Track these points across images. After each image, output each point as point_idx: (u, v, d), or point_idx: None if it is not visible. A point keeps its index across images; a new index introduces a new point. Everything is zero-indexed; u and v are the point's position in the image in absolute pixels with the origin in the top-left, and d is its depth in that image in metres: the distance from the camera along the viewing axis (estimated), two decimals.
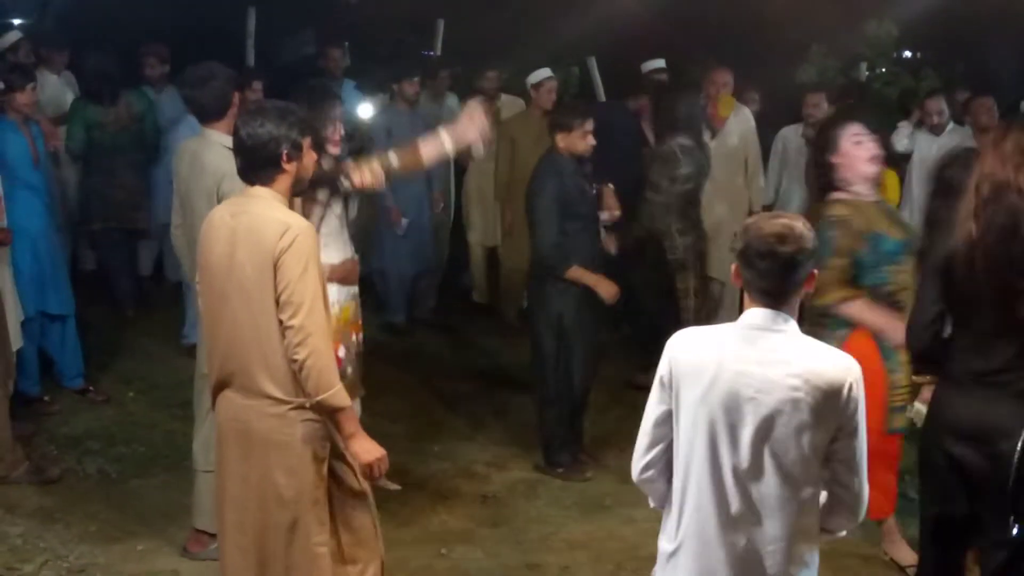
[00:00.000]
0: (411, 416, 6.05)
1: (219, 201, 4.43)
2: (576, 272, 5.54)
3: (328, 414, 3.42)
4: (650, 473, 2.87)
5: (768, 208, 7.85)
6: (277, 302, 3.31)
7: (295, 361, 3.31)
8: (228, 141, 4.54)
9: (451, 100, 8.45)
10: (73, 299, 6.47)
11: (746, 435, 2.65)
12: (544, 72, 7.95)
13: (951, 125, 7.54)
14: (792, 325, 2.71)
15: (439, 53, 9.40)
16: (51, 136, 6.62)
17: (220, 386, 3.53)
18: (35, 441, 5.90)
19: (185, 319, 7.07)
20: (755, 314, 2.72)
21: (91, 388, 6.61)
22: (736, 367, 2.66)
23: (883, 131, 5.06)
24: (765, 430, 2.64)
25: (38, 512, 5.16)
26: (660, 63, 8.28)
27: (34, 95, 6.25)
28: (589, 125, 5.61)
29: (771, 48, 8.57)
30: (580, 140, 5.59)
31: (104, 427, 6.19)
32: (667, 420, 2.80)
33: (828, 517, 2.76)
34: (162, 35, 8.55)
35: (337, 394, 3.38)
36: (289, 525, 3.48)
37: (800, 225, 2.67)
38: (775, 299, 2.69)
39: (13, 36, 7.70)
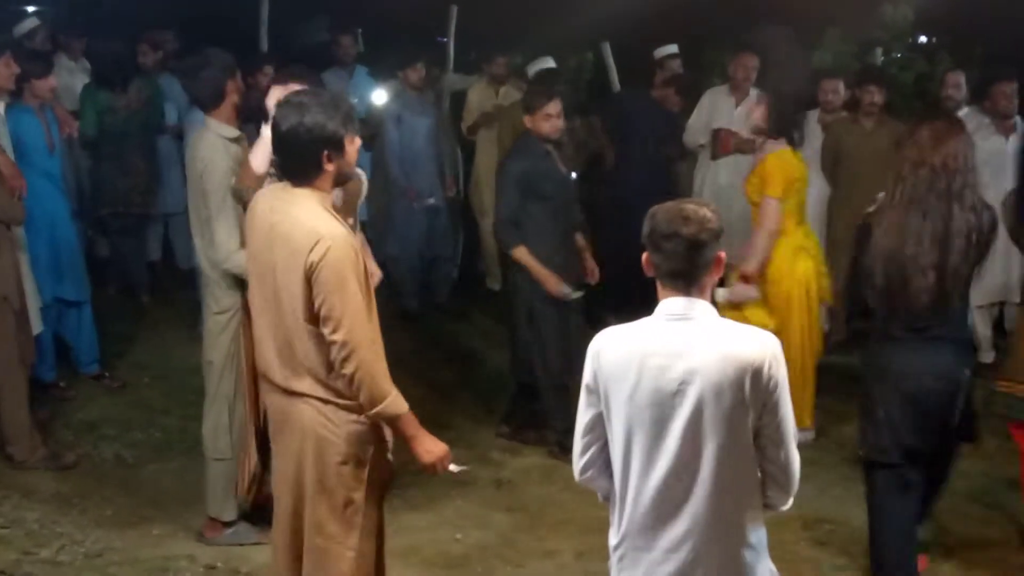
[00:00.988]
0: (425, 402, 6.00)
1: (203, 194, 4.46)
2: (522, 253, 5.59)
3: (387, 422, 3.38)
4: (590, 473, 2.91)
5: None
6: (317, 315, 3.22)
7: (344, 375, 3.24)
8: (226, 131, 4.56)
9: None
10: (89, 285, 6.50)
11: (676, 427, 2.67)
12: (545, 62, 8.09)
13: (965, 109, 7.44)
14: (706, 309, 2.73)
15: (452, 39, 9.38)
16: (66, 123, 6.62)
17: (264, 378, 3.49)
18: (51, 426, 5.94)
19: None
20: (669, 304, 2.74)
21: (107, 374, 6.64)
22: (657, 362, 2.68)
23: None
24: (694, 419, 2.66)
25: (54, 497, 5.18)
26: (673, 49, 8.24)
27: (52, 82, 6.27)
28: (552, 107, 5.58)
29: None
30: (543, 122, 5.60)
31: (120, 413, 6.22)
32: (598, 423, 2.83)
33: (764, 493, 2.78)
34: (175, 21, 8.55)
35: (393, 403, 3.32)
36: (318, 524, 3.42)
37: (706, 209, 2.73)
38: (685, 281, 2.71)
39: (31, 23, 7.71)
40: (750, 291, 5.73)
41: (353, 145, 3.38)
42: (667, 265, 2.72)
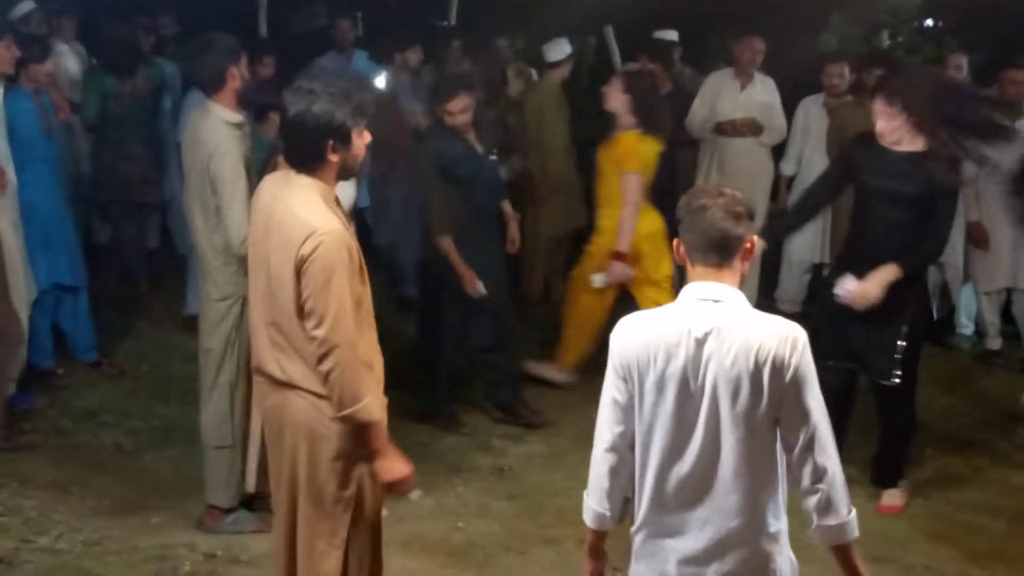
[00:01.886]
0: (426, 389, 6.00)
1: (211, 180, 4.41)
2: (448, 246, 5.64)
3: (355, 428, 3.23)
4: (611, 459, 2.81)
5: (791, 180, 7.78)
6: (301, 308, 3.16)
7: (321, 372, 3.17)
8: (229, 116, 4.50)
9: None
10: (85, 271, 6.45)
11: (698, 414, 2.64)
12: (562, 48, 7.98)
13: None
14: (736, 294, 2.69)
15: (453, 22, 9.31)
16: (61, 107, 6.56)
17: (258, 371, 3.41)
18: (49, 414, 5.90)
19: (186, 289, 7.07)
20: (698, 286, 2.70)
21: (105, 361, 6.59)
22: (682, 347, 2.64)
23: None
24: (714, 407, 2.62)
25: (52, 485, 5.15)
26: (673, 35, 8.15)
27: (49, 67, 6.22)
28: (455, 105, 5.55)
29: (791, 16, 8.44)
30: (447, 115, 5.64)
31: (118, 400, 6.17)
32: (623, 408, 2.76)
33: (804, 506, 2.68)
34: (174, 5, 8.48)
35: (364, 408, 3.18)
36: (308, 519, 3.34)
37: (739, 193, 2.75)
38: (718, 255, 2.68)
39: (27, 6, 7.62)
40: (625, 270, 5.97)
41: (362, 139, 3.29)
42: (701, 240, 2.69)
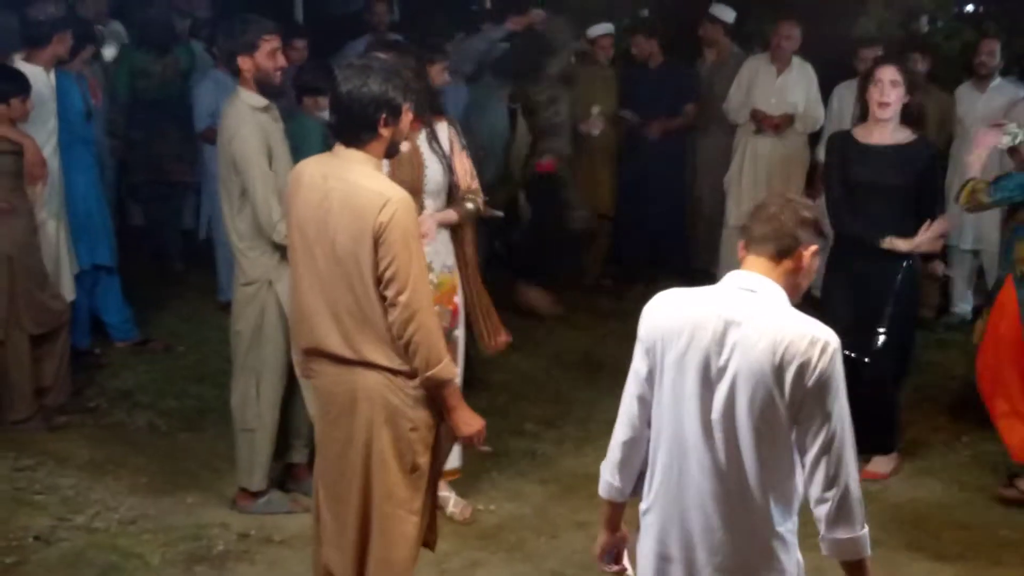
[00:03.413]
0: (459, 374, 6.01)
1: (233, 163, 4.42)
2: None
3: (434, 387, 3.34)
4: (628, 432, 2.82)
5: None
6: (380, 278, 3.21)
7: (402, 338, 3.24)
8: (254, 100, 4.51)
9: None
10: (117, 251, 6.51)
11: (715, 400, 2.61)
12: (605, 27, 8.04)
13: (998, 80, 7.23)
14: (774, 288, 2.65)
15: (488, 6, 9.29)
16: (94, 90, 6.62)
17: (315, 352, 3.42)
18: (86, 394, 5.97)
19: (218, 276, 7.09)
20: (741, 274, 2.69)
21: (152, 339, 6.67)
22: (710, 331, 2.61)
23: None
24: (732, 397, 2.58)
25: (89, 464, 5.21)
26: (730, 14, 8.07)
27: (91, 49, 6.32)
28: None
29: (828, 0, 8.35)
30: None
31: (154, 381, 6.23)
32: (643, 381, 2.76)
33: (817, 517, 2.62)
34: None
35: (445, 367, 3.31)
36: (388, 490, 3.39)
37: (811, 202, 2.82)
38: (775, 245, 2.66)
39: None
40: None
41: (408, 116, 3.37)
42: (759, 230, 2.69)
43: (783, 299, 2.66)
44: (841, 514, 2.55)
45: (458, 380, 3.81)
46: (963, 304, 7.49)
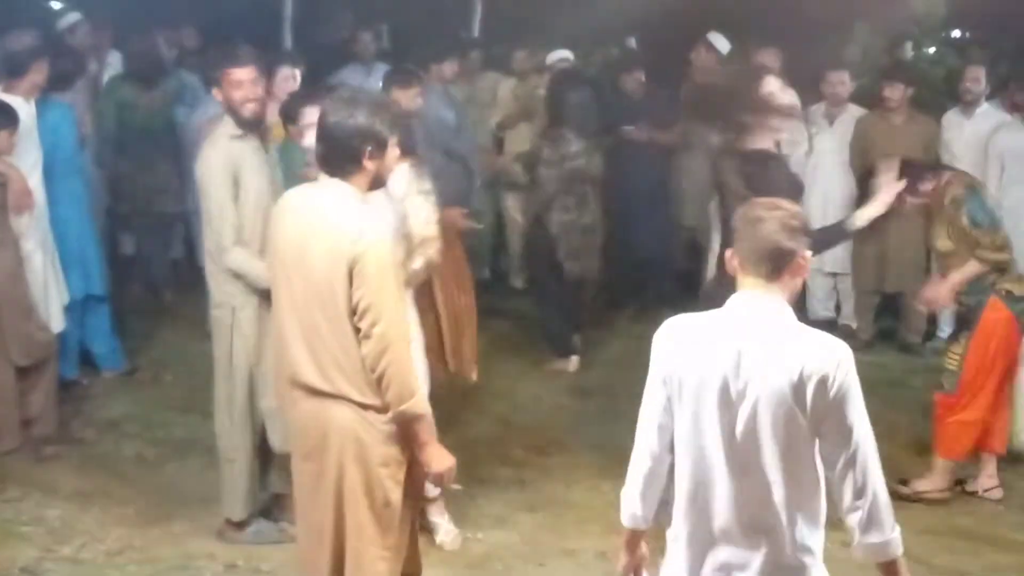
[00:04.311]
0: (447, 401, 5.99)
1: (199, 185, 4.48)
2: None
3: (407, 422, 3.32)
4: (648, 463, 2.86)
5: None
6: (355, 308, 3.21)
7: (375, 370, 3.23)
8: (230, 128, 4.54)
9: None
10: (107, 281, 6.50)
11: (737, 423, 2.64)
12: (561, 54, 8.17)
13: (984, 106, 7.29)
14: (782, 307, 2.70)
15: (476, 33, 9.33)
16: (83, 121, 6.65)
17: (292, 383, 3.40)
18: (73, 424, 5.94)
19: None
20: (744, 296, 2.71)
21: (138, 368, 6.66)
22: (727, 357, 2.64)
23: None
24: (753, 418, 2.62)
25: (76, 495, 5.18)
26: (724, 44, 8.09)
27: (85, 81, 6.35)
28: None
29: (814, 26, 8.39)
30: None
31: (142, 411, 6.22)
32: (663, 411, 2.79)
33: (847, 525, 2.69)
34: (196, 18, 8.54)
35: (418, 402, 3.30)
36: (359, 527, 3.37)
37: (796, 207, 2.81)
38: (769, 266, 2.69)
39: (73, 17, 7.70)
40: None
41: (394, 151, 3.38)
42: (753, 251, 2.70)
43: (789, 314, 2.70)
44: (873, 520, 2.63)
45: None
46: (948, 329, 7.49)
